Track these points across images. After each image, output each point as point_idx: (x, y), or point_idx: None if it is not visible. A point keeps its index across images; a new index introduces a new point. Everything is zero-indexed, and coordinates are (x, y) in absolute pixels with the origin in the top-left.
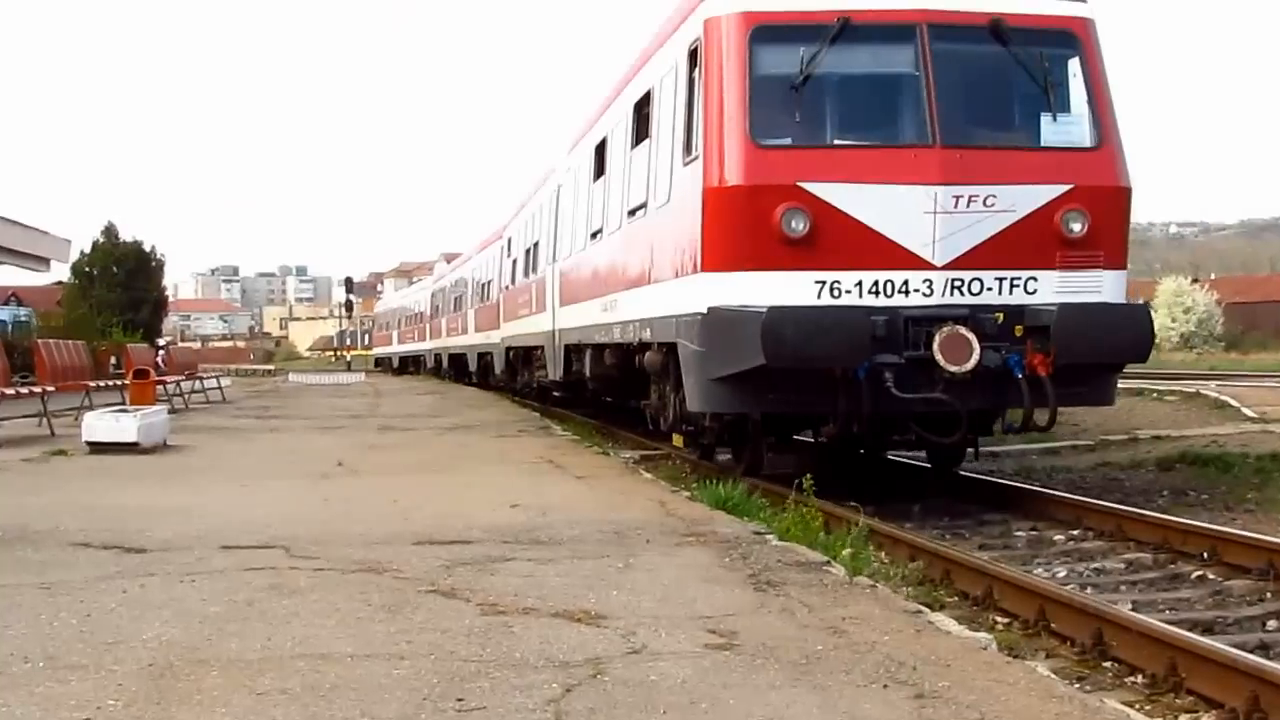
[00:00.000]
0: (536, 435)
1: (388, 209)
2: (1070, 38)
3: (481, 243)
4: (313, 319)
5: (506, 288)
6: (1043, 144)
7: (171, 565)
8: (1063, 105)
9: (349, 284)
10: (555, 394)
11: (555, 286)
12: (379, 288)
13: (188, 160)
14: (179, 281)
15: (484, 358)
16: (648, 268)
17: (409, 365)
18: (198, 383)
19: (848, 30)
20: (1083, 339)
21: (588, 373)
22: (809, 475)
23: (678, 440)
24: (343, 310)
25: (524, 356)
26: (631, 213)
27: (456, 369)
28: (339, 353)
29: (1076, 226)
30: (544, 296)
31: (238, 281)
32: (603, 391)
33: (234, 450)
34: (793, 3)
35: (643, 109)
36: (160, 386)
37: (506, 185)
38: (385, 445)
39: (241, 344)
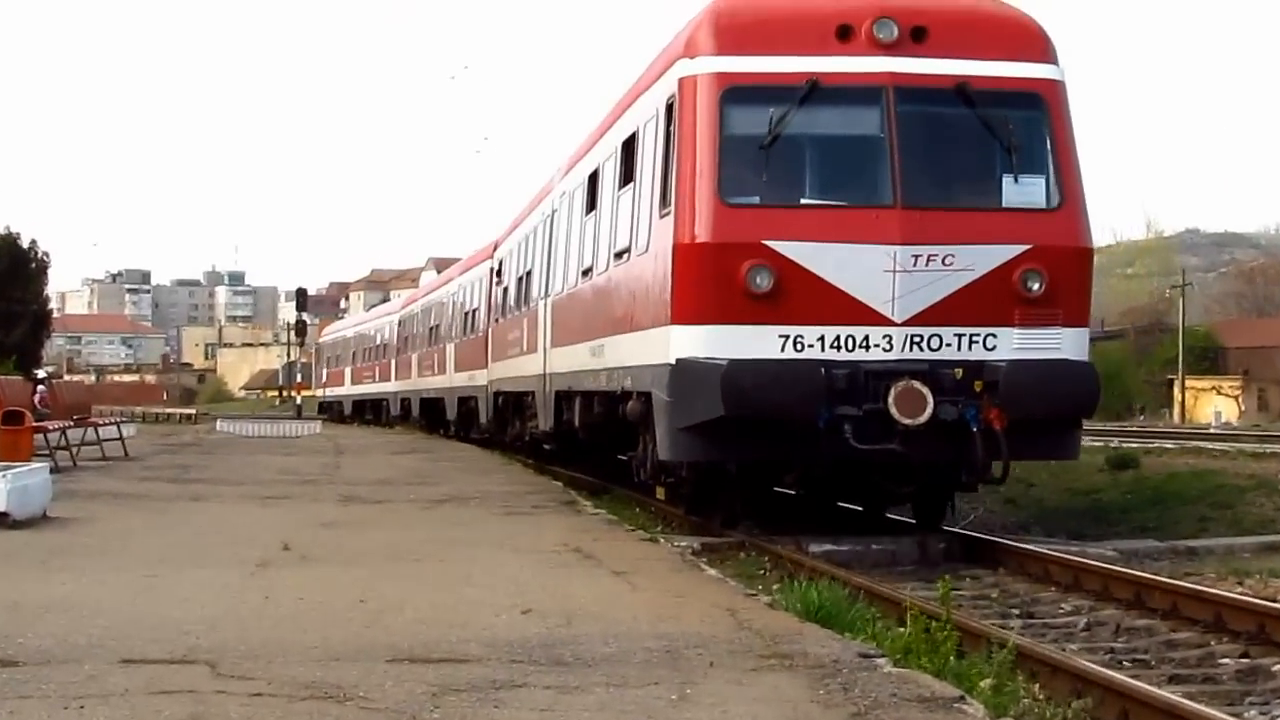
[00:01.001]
0: (558, 512)
1: (357, 202)
2: (1036, 100)
3: (466, 261)
4: (250, 345)
5: (496, 320)
6: (1004, 205)
7: (52, 685)
8: (1025, 167)
9: (301, 298)
10: (546, 447)
11: (548, 324)
12: (343, 304)
13: (79, 133)
14: (67, 290)
15: (466, 403)
16: (631, 314)
17: (366, 412)
18: (91, 431)
19: (816, 92)
20: (1030, 394)
21: (577, 422)
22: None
23: (660, 493)
24: (291, 334)
25: (515, 403)
26: (619, 255)
27: (430, 417)
28: (286, 393)
29: (1035, 285)
30: (536, 334)
31: (148, 292)
32: (593, 443)
33: (141, 525)
34: (764, 64)
35: (630, 148)
36: (39, 435)
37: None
38: (349, 522)
39: (152, 378)
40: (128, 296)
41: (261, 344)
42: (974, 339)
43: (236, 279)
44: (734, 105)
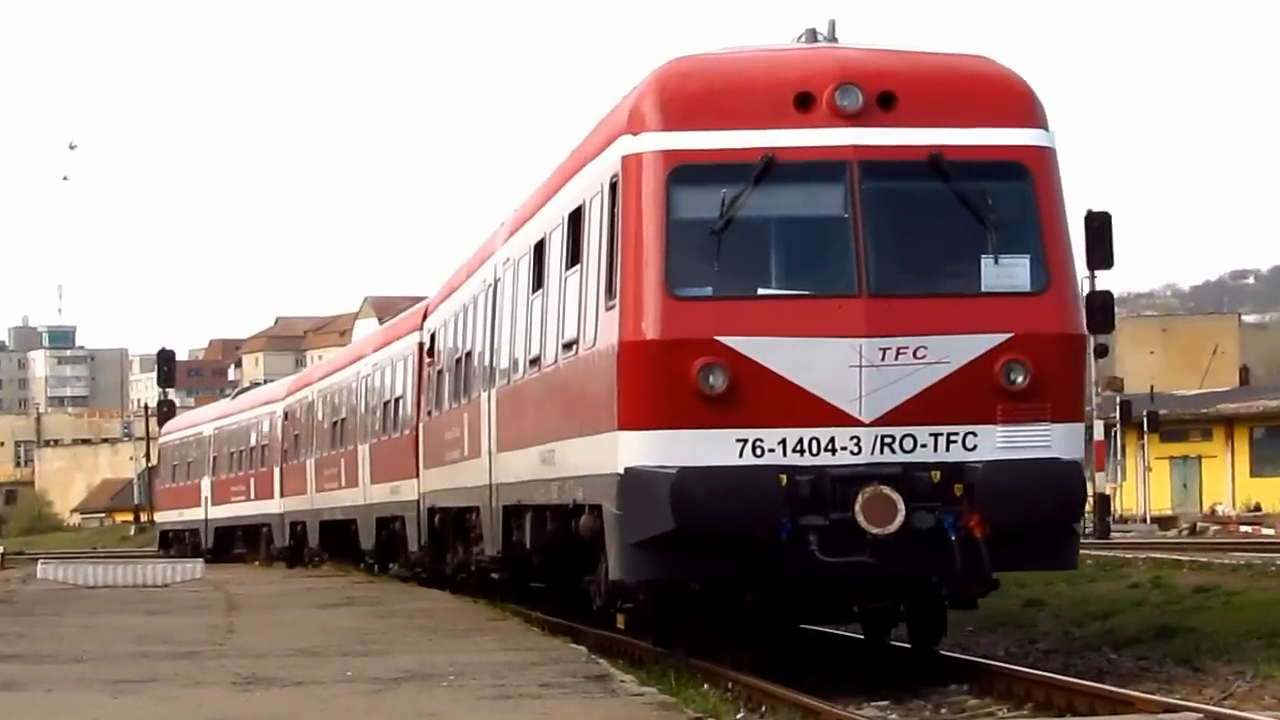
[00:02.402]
0: (582, 694)
1: (249, 227)
2: (1019, 170)
3: (385, 332)
4: (88, 443)
5: (429, 413)
6: (983, 289)
7: None
8: (1007, 246)
9: (165, 365)
10: (493, 576)
11: (492, 421)
12: (233, 371)
13: None
14: None
15: (388, 525)
16: (581, 416)
17: (234, 544)
18: None
19: (773, 170)
20: (1008, 497)
21: (529, 543)
22: None
23: (619, 621)
24: (152, 423)
25: (457, 523)
26: (567, 347)
27: (334, 545)
28: (146, 515)
29: (1018, 378)
30: (479, 434)
31: None
32: (549, 569)
33: None
34: (715, 139)
35: (577, 223)
36: None
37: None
38: (252, 719)
39: None
40: None
41: (105, 439)
42: (952, 438)
43: (62, 338)
44: (682, 186)
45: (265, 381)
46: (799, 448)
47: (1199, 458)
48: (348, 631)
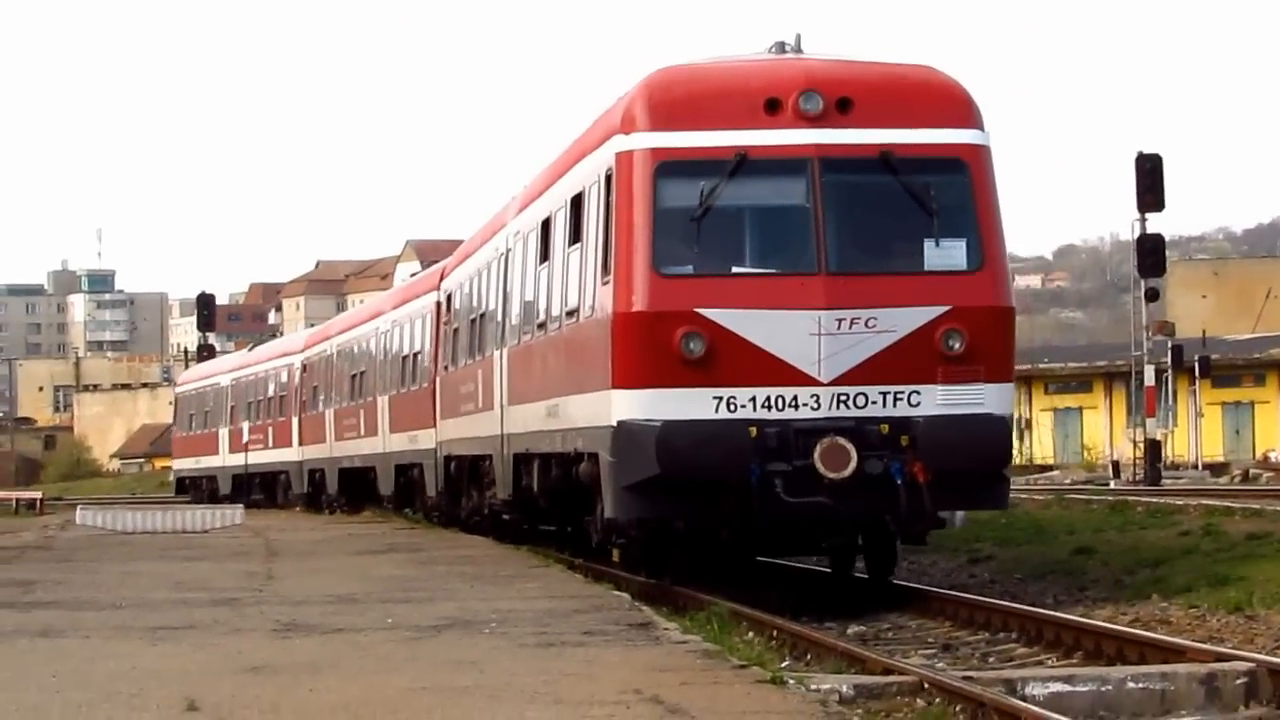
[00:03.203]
0: (625, 640)
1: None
2: (958, 165)
3: (403, 290)
4: (127, 388)
5: (446, 368)
6: (925, 268)
7: None
8: (947, 230)
9: (205, 309)
10: (505, 517)
11: (504, 377)
12: (273, 315)
13: None
14: None
15: (406, 473)
16: (581, 375)
17: (251, 490)
18: None
19: (745, 165)
20: (945, 447)
21: (536, 487)
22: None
23: (615, 555)
24: (193, 364)
25: (471, 470)
26: (570, 314)
27: (352, 492)
28: None
29: (955, 344)
30: (492, 389)
31: None
32: (555, 510)
33: None
34: (695, 139)
35: (578, 207)
36: None
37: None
38: (291, 665)
39: None
40: None
41: (144, 384)
42: (898, 396)
43: (101, 282)
44: (667, 179)
45: (308, 325)
46: (767, 404)
47: (1251, 403)
48: (388, 579)
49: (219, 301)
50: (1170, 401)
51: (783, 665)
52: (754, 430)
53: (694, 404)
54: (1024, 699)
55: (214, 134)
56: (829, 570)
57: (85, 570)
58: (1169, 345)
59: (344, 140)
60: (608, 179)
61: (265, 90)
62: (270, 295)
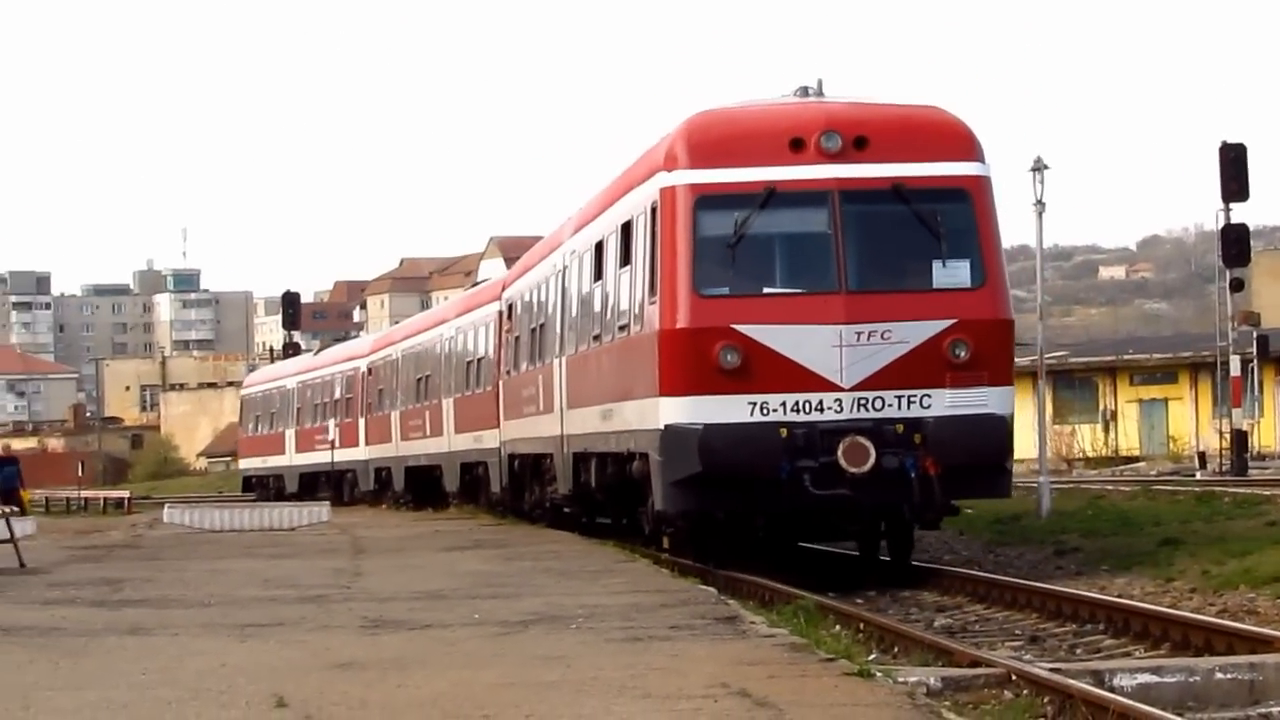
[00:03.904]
0: (712, 635)
1: (375, 170)
2: (962, 194)
3: (466, 300)
4: (213, 386)
5: (509, 373)
6: (934, 286)
7: None
8: (953, 252)
9: (291, 308)
10: (565, 510)
11: (563, 383)
12: (358, 313)
13: None
14: None
15: (471, 471)
16: (632, 384)
17: (319, 488)
18: None
19: (773, 198)
20: (953, 444)
21: (594, 483)
22: None
23: (665, 542)
24: (280, 361)
25: (533, 467)
26: (622, 328)
27: (419, 490)
28: None
29: (961, 353)
30: (552, 393)
31: (47, 306)
32: (610, 503)
33: (47, 677)
34: (730, 175)
35: (628, 232)
36: None
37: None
38: (380, 662)
39: (58, 443)
40: (14, 315)
41: (230, 383)
42: (911, 399)
43: (186, 282)
44: (705, 211)
45: (393, 323)
46: (795, 408)
47: None
48: (475, 574)
49: (304, 300)
50: (1256, 391)
51: (870, 658)
52: (784, 431)
53: (731, 409)
54: (1112, 690)
55: (299, 132)
56: (857, 554)
57: (173, 568)
58: (1254, 335)
59: (429, 137)
60: (653, 210)
61: (350, 88)
62: (355, 293)
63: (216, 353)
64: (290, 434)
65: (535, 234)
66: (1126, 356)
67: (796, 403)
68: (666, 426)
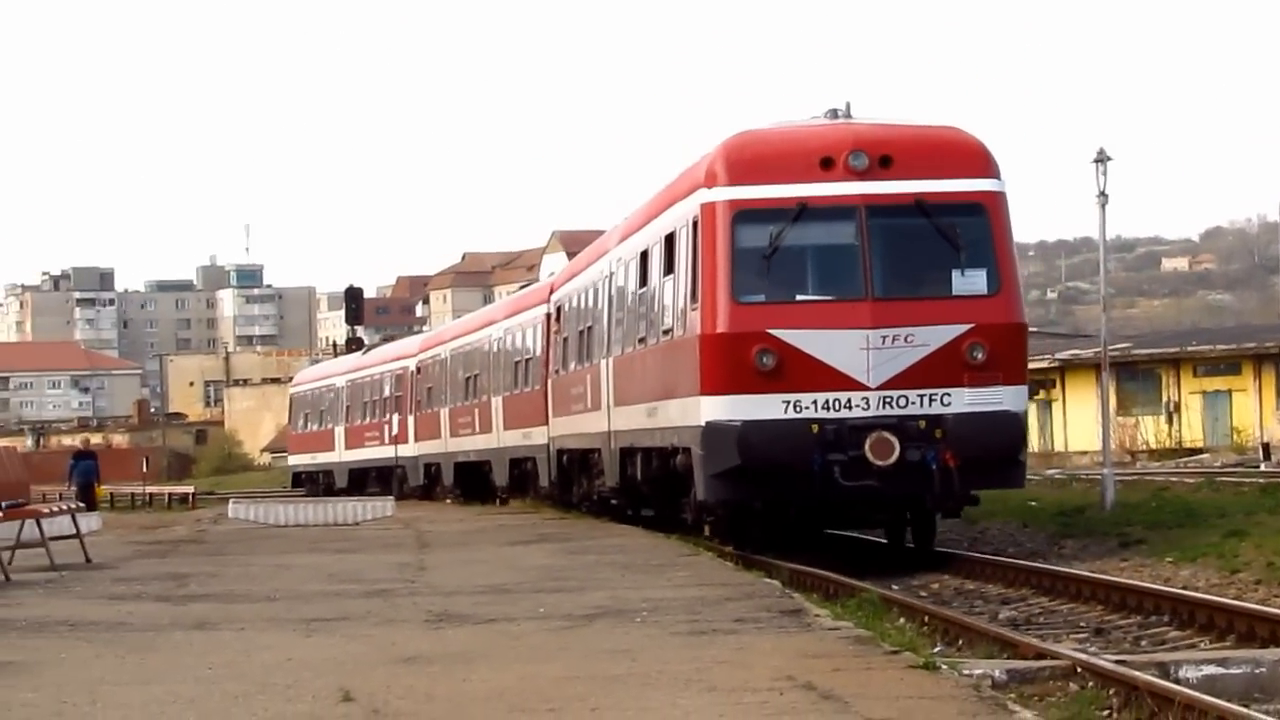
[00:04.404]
0: (777, 628)
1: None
2: (979, 208)
3: (513, 302)
4: (277, 381)
5: (557, 372)
6: (953, 293)
7: None
8: (970, 262)
9: (354, 303)
10: (612, 502)
11: (610, 383)
12: (421, 309)
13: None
14: None
15: (520, 466)
16: (675, 384)
17: (368, 483)
18: (31, 526)
19: (805, 213)
20: (971, 439)
21: (639, 476)
22: None
23: (706, 530)
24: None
25: (581, 462)
26: (665, 331)
27: (468, 484)
28: None
29: (978, 355)
30: (600, 392)
31: (110, 303)
32: (654, 495)
33: (114, 672)
34: (765, 191)
35: (671, 243)
36: None
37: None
38: (445, 656)
39: (122, 439)
40: (78, 311)
41: (294, 378)
42: (933, 397)
43: (249, 277)
44: (742, 224)
45: (455, 317)
46: (826, 406)
47: None
48: (539, 568)
49: (367, 295)
50: None
51: (934, 650)
52: (815, 427)
53: (767, 407)
54: (1177, 682)
55: (360, 128)
56: (885, 541)
57: (238, 563)
58: None
59: (490, 132)
60: (695, 223)
61: (413, 83)
62: (417, 288)
63: (280, 348)
64: (339, 431)
65: (596, 228)
66: (1190, 348)
67: (827, 401)
68: (707, 423)
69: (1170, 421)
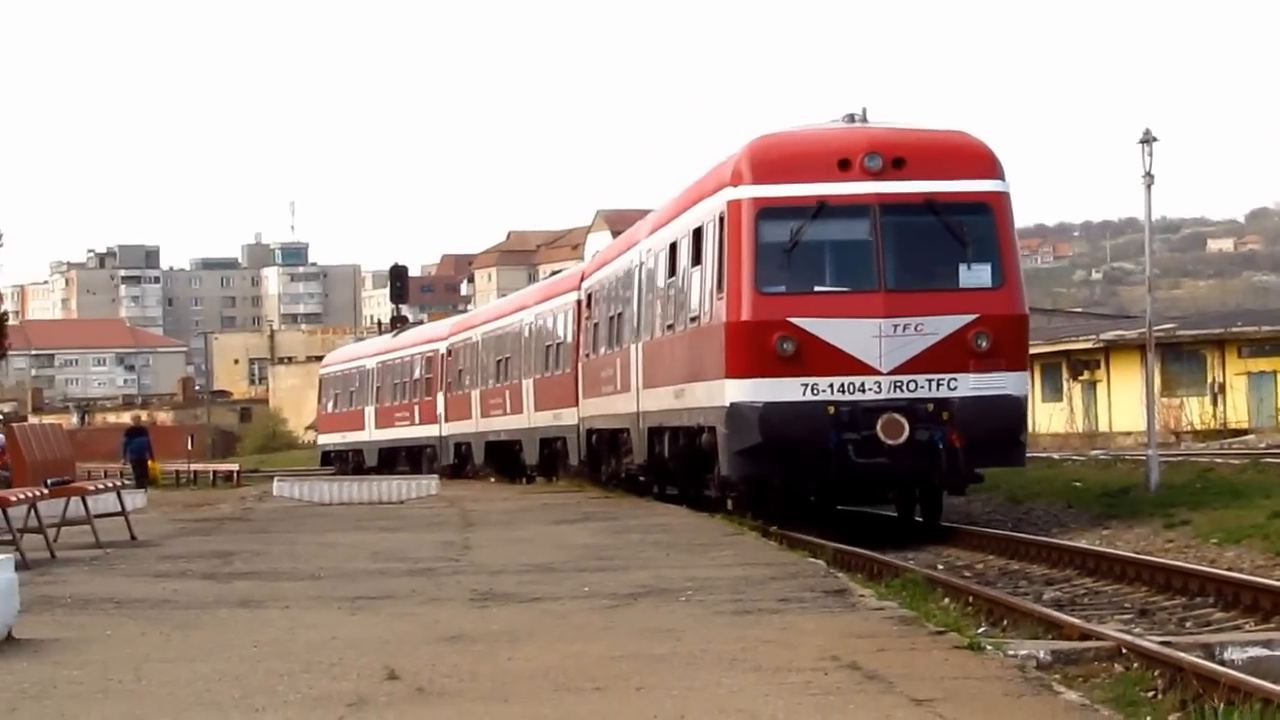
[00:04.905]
0: (821, 608)
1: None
2: (984, 207)
3: (544, 289)
4: (321, 359)
5: (587, 356)
6: (960, 286)
7: None
8: (976, 257)
9: (399, 281)
10: (640, 479)
11: (639, 366)
12: (465, 288)
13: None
14: (29, 283)
15: (550, 445)
16: (701, 367)
17: (398, 462)
18: (77, 503)
19: (823, 210)
20: (976, 421)
21: (667, 454)
22: None
23: (730, 504)
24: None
25: (610, 441)
26: (693, 319)
27: (499, 462)
28: None
29: (983, 343)
30: (629, 375)
31: (156, 280)
32: (680, 472)
33: (160, 650)
34: (787, 190)
35: (699, 237)
36: None
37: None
38: (489, 634)
39: (167, 417)
40: (124, 289)
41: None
42: (940, 382)
43: (294, 255)
44: (766, 221)
45: (500, 296)
46: (841, 389)
47: None
48: (584, 547)
49: (411, 273)
50: None
51: (979, 631)
52: (831, 409)
53: (787, 389)
54: (1223, 663)
55: (407, 106)
56: (895, 515)
57: (283, 541)
58: None
59: (535, 110)
60: (721, 219)
61: (456, 62)
62: (462, 266)
63: (324, 326)
64: (370, 411)
65: (642, 207)
66: (1235, 329)
67: (842, 384)
68: (731, 404)
69: (1215, 402)
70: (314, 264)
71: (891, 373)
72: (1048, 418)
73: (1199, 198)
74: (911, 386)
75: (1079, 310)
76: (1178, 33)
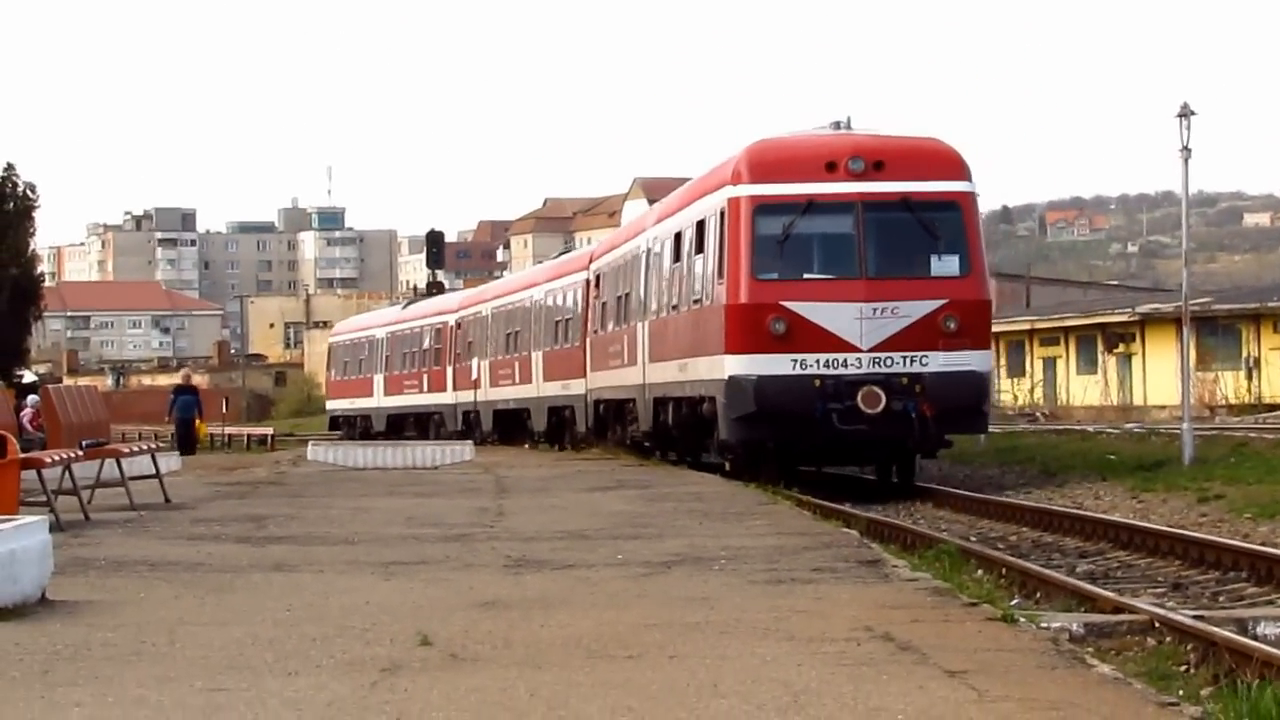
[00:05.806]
0: (855, 578)
1: (517, 109)
2: (954, 205)
3: (554, 268)
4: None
5: (595, 331)
6: (931, 274)
7: None
8: (946, 249)
9: (435, 247)
10: (645, 445)
11: (645, 342)
12: (501, 253)
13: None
14: (66, 245)
15: (558, 414)
16: (703, 344)
17: (406, 427)
18: (112, 466)
19: (812, 207)
20: (945, 393)
21: (670, 422)
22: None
23: (727, 466)
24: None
25: (616, 410)
26: (695, 301)
27: (505, 430)
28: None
29: (951, 325)
30: (635, 350)
31: (192, 243)
32: (682, 438)
33: (194, 612)
34: (780, 189)
35: (701, 228)
36: (30, 474)
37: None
38: (523, 601)
39: (202, 380)
40: (160, 251)
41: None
42: (913, 359)
43: (331, 220)
44: (761, 216)
45: (536, 263)
46: (826, 364)
47: None
48: (618, 515)
49: (448, 239)
50: None
51: (1012, 603)
52: (818, 382)
53: (778, 364)
54: (1256, 638)
55: (444, 71)
56: (873, 478)
57: (318, 506)
58: None
59: (573, 77)
60: (722, 213)
61: (495, 30)
62: (499, 233)
63: (360, 291)
64: (379, 379)
65: (678, 175)
66: (1271, 304)
67: (827, 360)
68: (730, 377)
69: (1250, 377)
70: (350, 229)
71: (871, 350)
72: (1082, 390)
73: (1236, 172)
74: (888, 363)
75: (1115, 283)
76: (1217, 6)
